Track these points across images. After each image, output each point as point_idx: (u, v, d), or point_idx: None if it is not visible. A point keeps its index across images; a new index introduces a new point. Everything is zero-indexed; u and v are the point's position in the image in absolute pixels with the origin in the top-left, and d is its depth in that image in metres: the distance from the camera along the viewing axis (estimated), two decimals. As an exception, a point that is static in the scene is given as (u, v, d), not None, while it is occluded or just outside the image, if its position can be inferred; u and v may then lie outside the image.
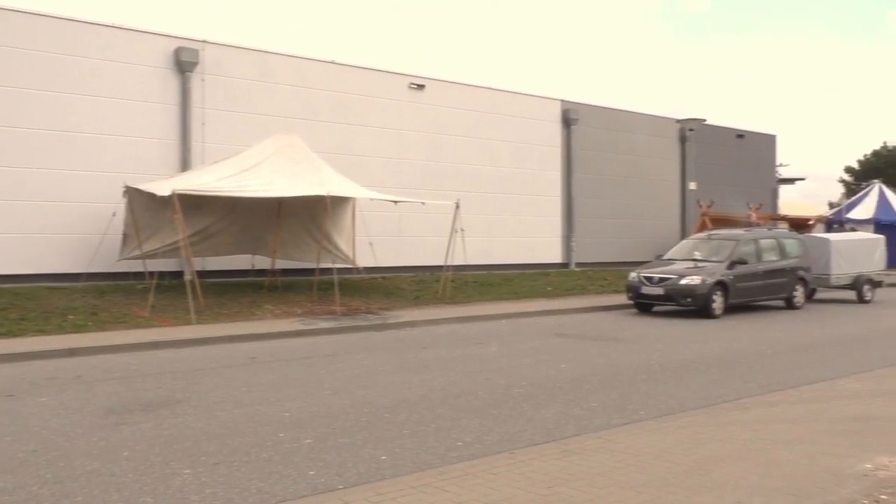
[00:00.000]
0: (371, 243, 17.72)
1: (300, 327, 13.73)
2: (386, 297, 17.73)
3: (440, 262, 18.28)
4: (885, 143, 63.08)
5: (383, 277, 20.50)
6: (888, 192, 36.12)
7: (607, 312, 17.59)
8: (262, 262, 19.11)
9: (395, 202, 18.01)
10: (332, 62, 21.71)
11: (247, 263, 19.13)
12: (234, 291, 17.18)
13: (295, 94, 20.70)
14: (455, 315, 15.78)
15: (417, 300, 17.67)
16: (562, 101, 27.30)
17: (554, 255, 26.85)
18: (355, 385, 9.04)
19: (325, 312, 15.21)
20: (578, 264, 26.94)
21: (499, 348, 12.06)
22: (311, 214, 17.44)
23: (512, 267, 24.63)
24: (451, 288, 18.30)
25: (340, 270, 17.20)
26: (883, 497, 4.97)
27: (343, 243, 17.75)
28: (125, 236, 16.52)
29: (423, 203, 17.85)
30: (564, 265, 26.89)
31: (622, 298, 18.17)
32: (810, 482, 5.28)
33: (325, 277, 17.16)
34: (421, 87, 23.32)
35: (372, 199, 17.52)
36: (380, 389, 8.78)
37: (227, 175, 15.56)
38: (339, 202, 17.05)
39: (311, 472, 5.76)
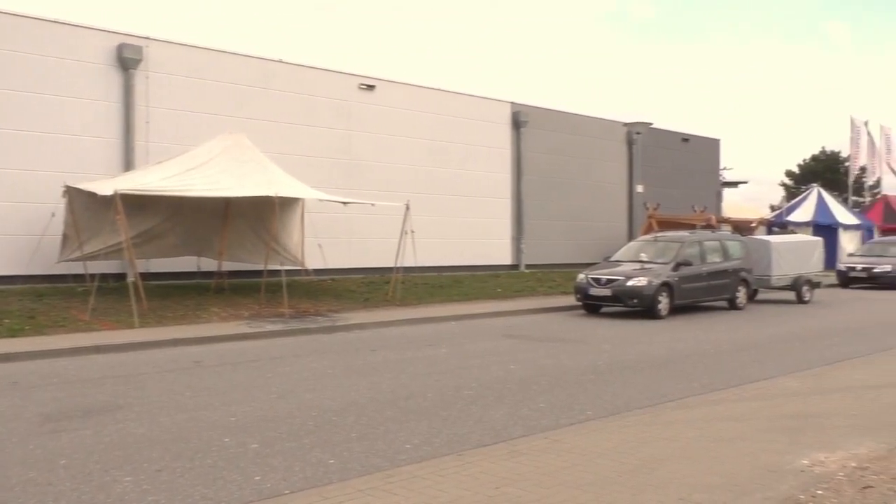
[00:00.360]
0: (320, 245, 17.56)
1: (247, 330, 13.53)
2: (335, 299, 17.59)
3: (390, 264, 18.22)
4: (823, 147, 65.25)
5: (332, 279, 20.35)
6: (826, 196, 37.27)
7: (556, 313, 17.75)
8: (208, 263, 18.79)
9: (345, 203, 17.89)
10: (280, 61, 21.49)
11: (192, 265, 18.79)
12: (178, 294, 16.84)
13: (243, 93, 20.42)
14: (405, 317, 15.74)
15: (367, 302, 17.59)
16: (511, 103, 27.50)
17: (504, 256, 27.03)
18: (303, 388, 8.94)
19: (273, 315, 15.02)
20: (528, 266, 27.16)
21: (448, 350, 12.07)
22: (259, 215, 17.21)
23: (462, 268, 24.70)
24: (401, 290, 18.26)
25: (289, 272, 17.01)
26: (819, 492, 5.11)
27: (291, 245, 17.55)
28: (65, 237, 16.07)
29: (372, 204, 17.78)
30: (514, 267, 27.08)
31: (571, 300, 18.35)
32: (750, 479, 5.41)
33: (273, 279, 16.95)
34: (371, 87, 23.23)
35: (321, 200, 17.38)
36: (328, 392, 8.70)
37: (172, 174, 15.26)
38: (288, 203, 16.86)
39: (257, 477, 5.67)
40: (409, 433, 6.92)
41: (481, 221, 26.16)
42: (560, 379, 9.59)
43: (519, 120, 27.29)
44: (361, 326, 14.65)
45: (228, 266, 18.69)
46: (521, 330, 14.69)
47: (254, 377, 9.70)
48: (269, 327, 13.83)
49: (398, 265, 17.81)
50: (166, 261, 18.17)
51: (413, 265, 18.09)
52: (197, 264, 18.83)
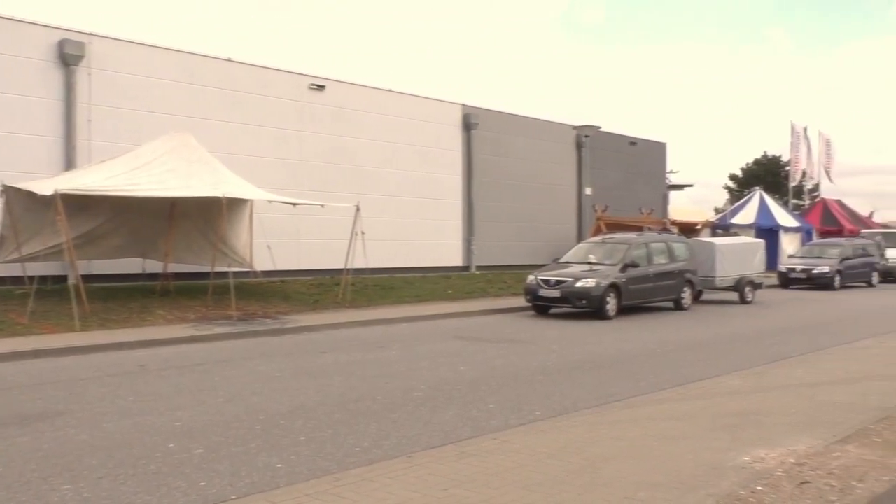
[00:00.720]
0: (269, 246, 17.35)
1: (194, 333, 13.29)
2: (284, 301, 17.41)
3: (340, 266, 18.09)
4: (765, 152, 66.91)
5: (282, 281, 20.13)
6: (768, 199, 38.31)
7: (506, 315, 17.86)
8: (153, 265, 18.41)
9: (294, 204, 17.71)
10: (228, 59, 21.18)
11: (137, 267, 18.38)
12: (122, 296, 16.47)
13: (189, 92, 20.07)
14: (355, 319, 15.66)
15: (317, 304, 17.44)
16: (462, 105, 27.60)
17: (455, 258, 27.09)
18: (250, 392, 8.82)
19: (221, 317, 14.79)
20: (479, 267, 27.28)
21: (399, 352, 12.04)
22: (206, 216, 16.93)
23: (413, 270, 24.68)
24: (351, 291, 18.15)
25: (237, 274, 16.75)
26: (759, 488, 5.25)
27: (240, 246, 17.31)
28: (2, 238, 15.56)
29: (322, 206, 17.62)
30: (465, 268, 27.17)
31: (521, 301, 18.49)
32: (693, 476, 5.52)
33: (221, 281, 16.69)
34: (321, 87, 23.06)
35: (270, 201, 17.17)
36: (276, 396, 8.60)
37: (116, 174, 14.92)
38: (236, 204, 16.62)
39: (202, 483, 5.57)
40: (359, 436, 6.88)
41: (432, 223, 26.18)
42: (509, 380, 9.65)
43: (470, 122, 27.40)
44: (311, 328, 14.52)
45: (174, 268, 18.34)
46: (471, 331, 14.74)
47: (200, 381, 9.53)
48: (217, 330, 13.61)
49: (348, 267, 17.71)
50: (110, 262, 17.75)
51: (363, 267, 18.00)
52: (142, 266, 18.44)
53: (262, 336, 13.64)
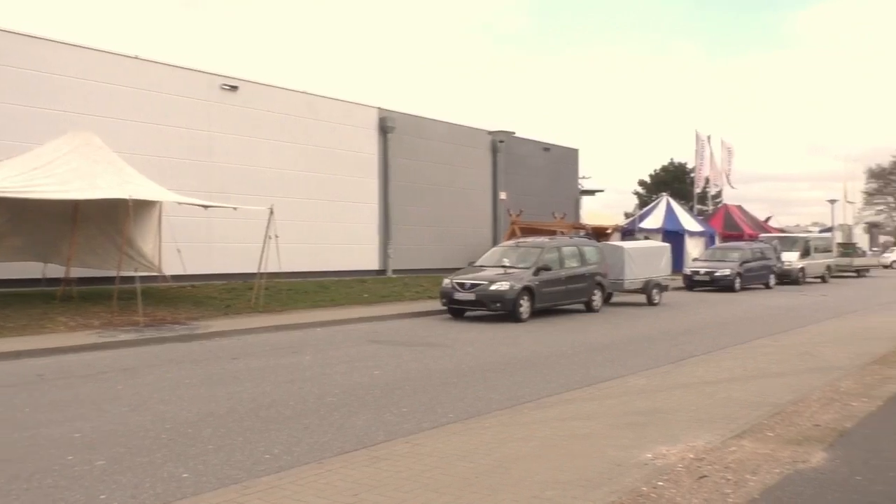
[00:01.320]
0: (179, 250, 16.87)
1: (97, 340, 12.79)
2: (195, 307, 16.97)
3: (253, 270, 17.77)
4: (672, 159, 69.40)
5: (192, 286, 19.61)
6: (674, 204, 39.80)
7: (422, 318, 17.92)
8: (54, 270, 17.61)
9: (206, 207, 17.28)
10: (135, 57, 20.52)
11: (37, 272, 17.56)
12: (20, 303, 15.71)
13: (93, 90, 19.33)
14: (268, 324, 15.39)
15: (229, 309, 17.07)
16: (379, 108, 27.57)
17: (371, 261, 27.01)
18: (157, 400, 8.56)
19: (127, 324, 14.29)
20: (395, 271, 27.28)
21: (312, 357, 11.92)
22: (111, 219, 16.33)
23: (328, 274, 24.46)
24: (264, 296, 17.83)
25: (144, 279, 16.24)
26: (660, 483, 5.45)
27: (147, 250, 16.75)
28: None
29: (235, 208, 17.28)
30: (381, 272, 27.12)
31: (437, 304, 18.58)
32: (599, 473, 5.68)
33: (127, 286, 16.12)
34: (234, 88, 22.62)
35: (180, 203, 16.71)
36: (184, 404, 8.38)
37: (14, 174, 14.22)
38: (144, 206, 16.10)
39: (103, 496, 5.38)
40: (269, 443, 6.78)
41: (348, 226, 26.02)
42: (424, 383, 9.69)
43: (386, 125, 27.39)
44: (222, 334, 14.20)
45: (78, 272, 17.60)
46: (387, 335, 14.73)
47: (103, 390, 9.18)
48: (122, 337, 13.15)
49: (262, 271, 17.40)
50: (7, 267, 16.92)
51: (277, 271, 17.71)
52: (42, 271, 17.62)
53: (170, 342, 13.26)
